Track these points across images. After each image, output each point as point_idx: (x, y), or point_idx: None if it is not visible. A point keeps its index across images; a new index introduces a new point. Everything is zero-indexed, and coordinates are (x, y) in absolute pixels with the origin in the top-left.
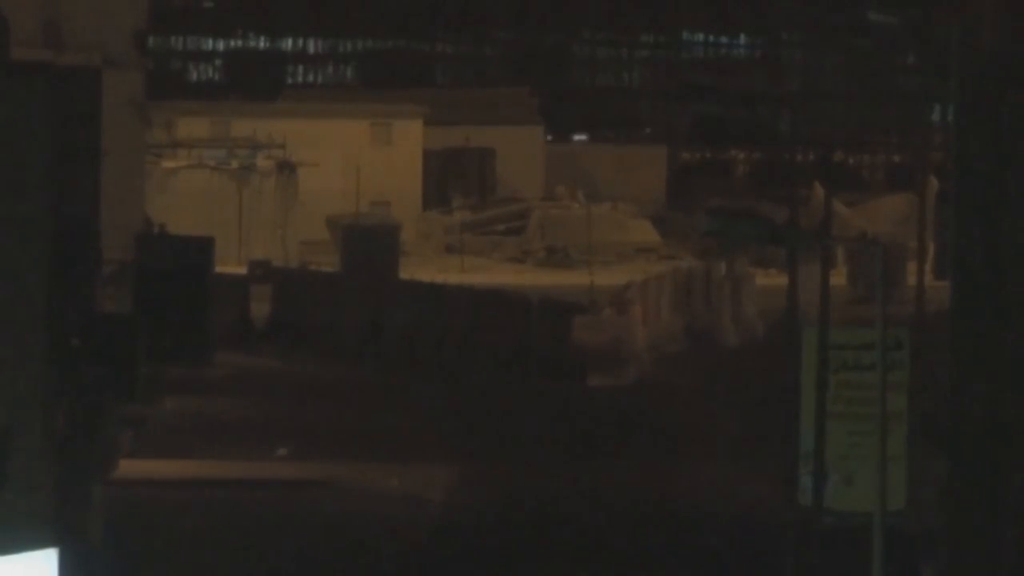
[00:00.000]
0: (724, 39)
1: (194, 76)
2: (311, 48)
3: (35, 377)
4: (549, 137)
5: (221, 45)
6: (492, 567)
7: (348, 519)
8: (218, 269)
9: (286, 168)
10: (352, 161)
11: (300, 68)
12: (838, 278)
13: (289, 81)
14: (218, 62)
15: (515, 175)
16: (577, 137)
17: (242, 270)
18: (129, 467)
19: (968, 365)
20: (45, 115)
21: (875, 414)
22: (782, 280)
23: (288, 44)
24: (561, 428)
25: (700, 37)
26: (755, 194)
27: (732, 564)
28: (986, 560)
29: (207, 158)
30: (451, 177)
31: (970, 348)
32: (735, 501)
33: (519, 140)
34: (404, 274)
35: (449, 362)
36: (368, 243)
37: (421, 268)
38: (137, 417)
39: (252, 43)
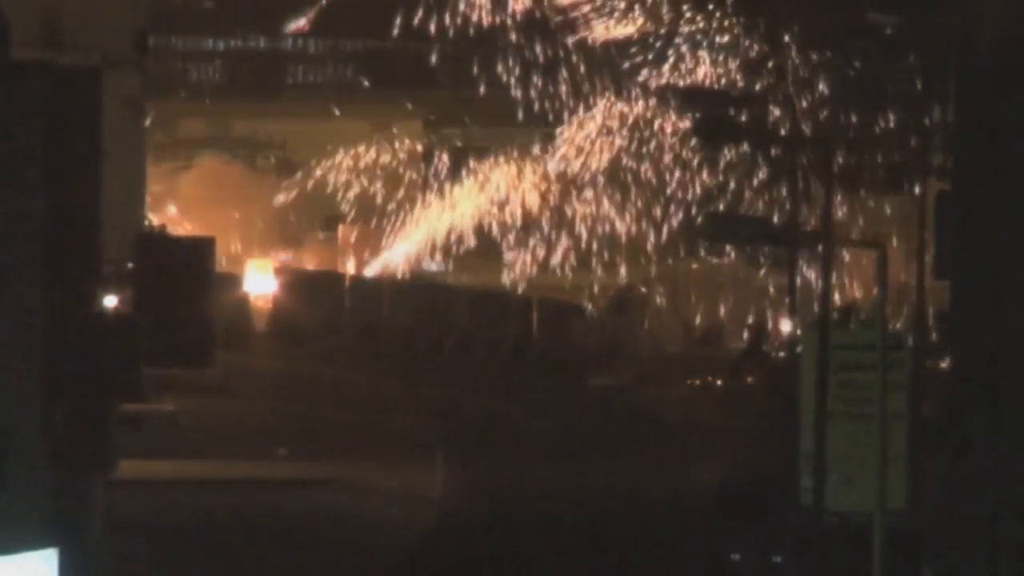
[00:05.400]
0: (724, 39)
1: (194, 76)
2: (311, 48)
3: (35, 377)
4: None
5: (221, 45)
6: (491, 566)
7: (348, 519)
8: (218, 269)
9: (286, 168)
10: (352, 161)
11: (300, 68)
12: None
13: (289, 81)
14: (218, 62)
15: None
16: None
17: (242, 270)
18: (129, 467)
19: (968, 365)
20: (45, 115)
21: (875, 414)
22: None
23: (288, 44)
24: (561, 427)
25: (700, 37)
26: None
27: (731, 563)
28: (986, 560)
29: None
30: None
31: (970, 348)
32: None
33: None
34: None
35: (449, 362)
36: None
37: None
38: (136, 417)
39: (252, 43)
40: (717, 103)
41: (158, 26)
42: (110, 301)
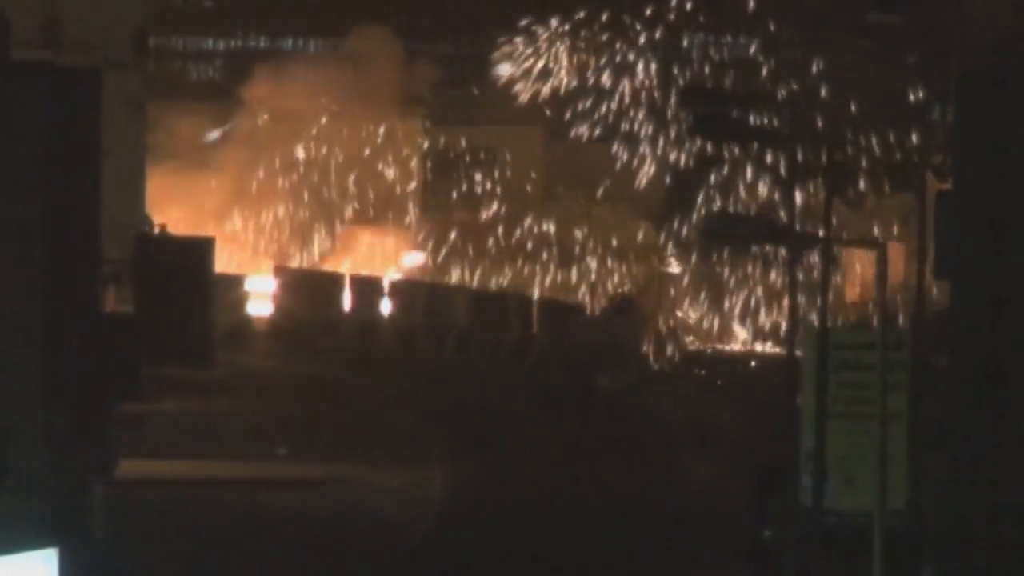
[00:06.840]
0: (724, 39)
1: (194, 76)
2: (311, 48)
3: (35, 377)
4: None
5: (221, 45)
6: (491, 567)
7: (348, 519)
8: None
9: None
10: (353, 161)
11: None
12: None
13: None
14: (218, 62)
15: (515, 175)
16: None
17: (243, 270)
18: (129, 467)
19: (967, 364)
20: (45, 115)
21: (875, 414)
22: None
23: (288, 44)
24: (561, 427)
25: (700, 37)
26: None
27: (730, 562)
28: (986, 560)
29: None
30: (451, 177)
31: (969, 347)
32: (732, 499)
33: (519, 140)
34: (405, 274)
35: (449, 362)
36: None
37: (422, 268)
38: (137, 417)
39: (252, 43)
40: (717, 101)
41: (158, 26)
42: (110, 301)
